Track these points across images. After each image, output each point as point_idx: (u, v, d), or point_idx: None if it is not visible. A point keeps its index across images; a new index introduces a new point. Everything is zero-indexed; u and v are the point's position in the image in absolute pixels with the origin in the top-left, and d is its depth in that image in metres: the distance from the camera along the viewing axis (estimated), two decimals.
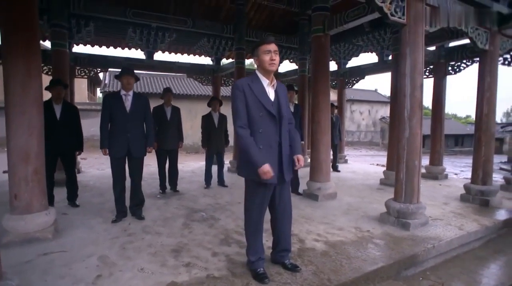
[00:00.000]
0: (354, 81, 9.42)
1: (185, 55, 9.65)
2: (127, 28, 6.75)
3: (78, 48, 7.73)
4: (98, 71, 7.70)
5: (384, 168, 6.70)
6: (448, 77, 7.10)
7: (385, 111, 28.11)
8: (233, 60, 7.98)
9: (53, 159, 4.05)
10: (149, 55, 7.72)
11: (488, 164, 4.70)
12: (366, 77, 9.20)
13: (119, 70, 3.81)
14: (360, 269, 2.55)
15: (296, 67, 8.88)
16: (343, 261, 2.69)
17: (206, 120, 5.72)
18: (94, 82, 25.37)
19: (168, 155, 5.22)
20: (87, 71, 7.38)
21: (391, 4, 3.34)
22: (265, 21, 8.59)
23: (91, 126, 13.82)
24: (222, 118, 5.81)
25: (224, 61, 9.30)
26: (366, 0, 3.65)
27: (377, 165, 10.80)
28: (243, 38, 7.49)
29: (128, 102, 3.65)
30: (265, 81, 2.29)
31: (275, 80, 2.34)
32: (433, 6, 3.73)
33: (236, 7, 7.25)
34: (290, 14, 7.93)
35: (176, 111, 5.26)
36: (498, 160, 12.62)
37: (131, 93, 3.69)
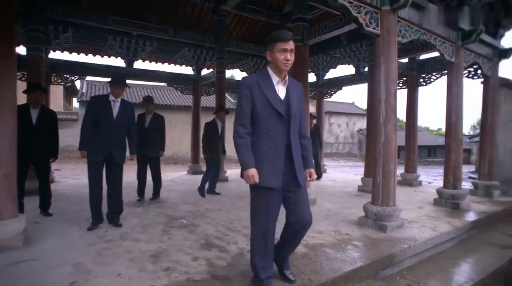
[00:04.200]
0: (332, 92, 9.71)
1: (166, 64, 9.67)
2: (107, 36, 6.70)
3: (55, 55, 7.57)
4: (76, 78, 7.55)
5: (362, 176, 6.87)
6: (421, 93, 7.48)
7: (362, 123, 28.95)
8: (214, 70, 8.05)
9: (26, 165, 3.88)
10: (129, 63, 7.67)
11: (458, 169, 4.96)
12: (344, 90, 9.63)
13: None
14: (339, 269, 2.59)
15: None
16: (323, 262, 2.73)
17: (211, 127, 5.72)
18: (70, 91, 24.68)
19: (149, 163, 5.16)
20: (64, 79, 7.21)
21: (365, 15, 3.52)
22: (246, 33, 8.77)
23: (66, 136, 13.36)
24: (223, 128, 5.90)
25: (205, 71, 9.34)
26: (342, 11, 3.83)
27: (356, 174, 11.05)
28: (224, 49, 7.60)
29: (116, 109, 3.62)
30: (275, 79, 2.11)
31: (287, 77, 2.14)
32: (404, 19, 3.96)
33: (217, 18, 7.38)
34: (270, 26, 8.15)
35: (157, 119, 5.24)
36: (467, 169, 13.25)
37: (119, 99, 3.66)
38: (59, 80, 7.18)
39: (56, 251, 2.87)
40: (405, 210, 4.31)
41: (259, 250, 2.14)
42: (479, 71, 6.09)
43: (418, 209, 4.80)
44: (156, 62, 9.46)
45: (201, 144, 5.99)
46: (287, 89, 2.13)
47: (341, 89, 9.48)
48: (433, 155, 26.87)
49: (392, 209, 3.62)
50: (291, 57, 2.05)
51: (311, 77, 9.48)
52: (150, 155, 5.10)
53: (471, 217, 4.46)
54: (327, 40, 5.40)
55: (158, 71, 8.44)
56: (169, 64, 9.60)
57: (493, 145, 6.02)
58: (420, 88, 7.59)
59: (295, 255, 2.86)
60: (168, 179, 7.87)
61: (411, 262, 3.24)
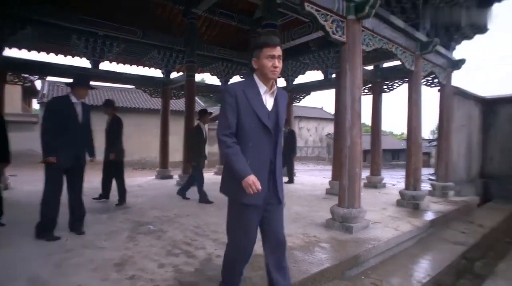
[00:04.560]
0: (301, 97, 9.91)
1: (134, 66, 9.40)
2: (71, 35, 6.40)
3: (12, 52, 7.05)
4: (36, 78, 7.11)
5: (330, 179, 7.06)
6: (386, 99, 7.86)
7: (331, 128, 29.78)
8: (184, 73, 7.95)
9: None
10: (95, 64, 7.37)
11: (417, 171, 5.25)
12: (313, 95, 9.80)
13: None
14: (307, 271, 2.64)
15: None
16: (291, 265, 2.75)
17: (198, 133, 5.52)
18: (29, 92, 23.21)
19: (111, 166, 5.15)
20: (21, 78, 6.77)
21: (332, 23, 3.65)
22: (217, 36, 8.75)
23: (25, 140, 12.52)
24: (206, 132, 5.79)
25: (175, 74, 9.20)
26: (310, 19, 3.95)
27: (324, 178, 11.33)
28: (195, 52, 7.53)
29: (79, 111, 3.48)
30: (262, 88, 1.93)
31: (275, 87, 1.98)
32: (368, 29, 4.15)
33: (188, 21, 7.30)
34: (241, 31, 8.20)
35: (112, 122, 5.15)
36: (427, 172, 14.02)
37: (80, 101, 3.52)
38: (16, 80, 6.72)
39: (9, 264, 2.68)
40: (370, 211, 4.48)
41: (229, 269, 2.09)
42: (436, 80, 6.50)
43: (382, 210, 5.01)
44: (124, 64, 9.18)
45: (181, 150, 5.86)
46: (275, 99, 1.97)
47: (309, 94, 9.70)
48: (397, 158, 28.19)
49: (357, 210, 3.75)
50: (279, 64, 1.90)
51: (281, 82, 9.66)
52: (109, 158, 5.05)
53: (429, 216, 4.73)
54: (297, 46, 5.55)
55: (126, 73, 8.19)
56: (137, 66, 9.35)
57: (448, 149, 6.44)
58: (385, 95, 7.97)
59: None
60: (135, 184, 7.63)
61: (375, 261, 3.38)
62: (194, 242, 3.36)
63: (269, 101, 1.95)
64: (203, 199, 5.37)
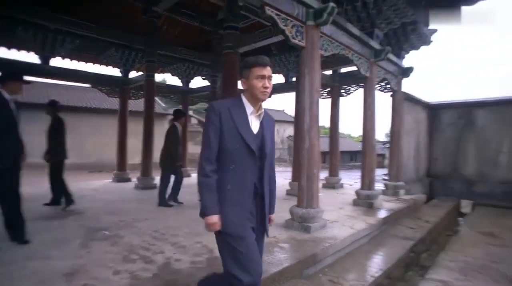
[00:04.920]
0: None
1: (90, 64, 8.87)
2: (16, 26, 5.90)
3: None
4: None
5: (290, 180, 7.22)
6: (345, 103, 8.23)
7: (292, 130, 30.38)
8: (144, 73, 7.69)
9: None
10: (45, 60, 6.87)
11: (372, 172, 5.56)
12: (275, 98, 9.95)
13: None
14: (266, 271, 2.67)
15: (209, 84, 9.05)
16: None
17: (175, 134, 5.36)
18: None
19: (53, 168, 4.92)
20: None
21: (292, 28, 3.75)
22: (179, 36, 8.57)
23: None
24: (182, 132, 5.71)
25: (134, 73, 8.86)
26: (271, 23, 4.02)
27: (285, 179, 11.54)
28: (155, 51, 7.32)
29: (13, 108, 3.19)
30: (249, 109, 1.83)
31: (262, 109, 1.87)
32: (326, 35, 4.32)
33: (148, 19, 7.07)
34: (204, 32, 8.11)
35: (54, 122, 4.91)
36: (381, 172, 14.85)
37: (12, 97, 3.23)
38: None
39: None
40: (328, 211, 4.65)
41: None
42: (388, 86, 6.94)
43: (340, 209, 5.22)
44: (79, 61, 8.59)
45: (160, 152, 5.49)
46: (261, 123, 1.86)
47: (270, 97, 9.82)
48: (354, 160, 29.52)
49: (315, 210, 3.88)
50: (269, 84, 1.81)
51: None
52: (51, 159, 4.85)
53: (382, 214, 5.02)
54: (259, 49, 5.60)
55: (81, 71, 7.73)
56: (93, 63, 8.83)
57: (399, 150, 6.89)
58: (344, 98, 8.32)
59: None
60: (90, 188, 7.22)
61: (332, 259, 3.50)
62: (153, 246, 3.26)
63: (254, 124, 1.84)
64: (164, 202, 5.24)
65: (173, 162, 5.29)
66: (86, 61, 8.66)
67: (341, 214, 4.87)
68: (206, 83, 9.49)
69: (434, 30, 6.60)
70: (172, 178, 5.42)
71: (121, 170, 8.48)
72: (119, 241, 3.40)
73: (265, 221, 1.87)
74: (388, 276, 3.48)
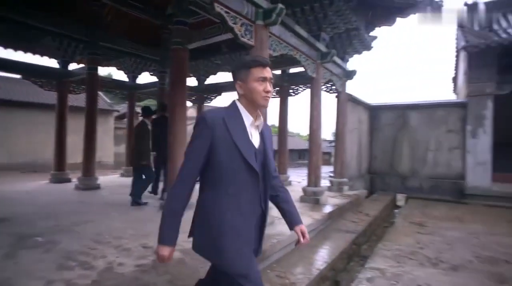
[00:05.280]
0: (213, 97, 9.98)
1: (21, 52, 7.94)
2: None
3: None
4: None
5: None
6: (294, 102, 8.49)
7: None
8: (86, 66, 7.14)
9: None
10: None
11: (318, 169, 5.82)
12: (225, 95, 9.88)
13: None
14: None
15: (157, 80, 8.71)
16: (199, 266, 2.74)
17: (145, 131, 5.32)
18: None
19: None
20: None
21: (241, 27, 3.77)
22: (127, 29, 8.09)
23: None
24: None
25: (75, 65, 8.18)
26: (220, 20, 3.99)
27: None
28: (99, 43, 6.84)
29: None
30: (248, 119, 1.53)
31: (261, 118, 1.58)
32: (275, 35, 4.41)
33: (92, 9, 6.56)
34: (154, 26, 7.75)
35: None
36: (328, 170, 15.63)
37: None
38: None
39: None
40: (276, 208, 4.76)
41: None
42: (334, 87, 7.31)
43: None
44: (6, 48, 7.67)
45: (82, 150, 5.29)
46: (261, 134, 1.58)
47: (220, 95, 9.82)
48: (303, 158, 30.64)
49: None
50: (271, 87, 1.54)
51: (192, 82, 9.53)
52: None
53: (327, 209, 5.29)
54: (209, 46, 5.55)
55: (11, 60, 6.94)
56: (25, 52, 7.92)
57: (343, 149, 7.32)
58: (295, 98, 8.59)
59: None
60: (23, 190, 6.53)
61: (280, 255, 3.60)
62: (93, 251, 3.05)
63: (254, 136, 1.55)
64: (137, 196, 5.19)
65: (140, 160, 5.16)
66: (16, 49, 7.77)
67: None
68: (154, 79, 9.11)
69: (375, 37, 7.12)
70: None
71: (59, 170, 7.80)
72: (54, 248, 3.12)
73: (262, 239, 1.66)
74: (332, 268, 3.68)
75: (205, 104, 10.25)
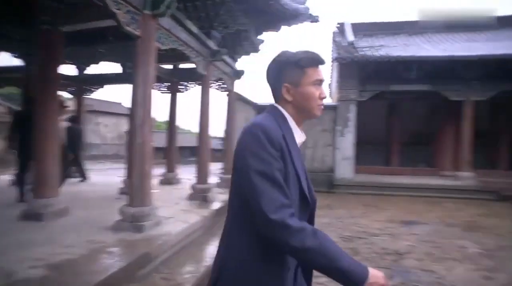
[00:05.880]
0: (94, 89, 8.87)
1: None
2: None
3: None
4: None
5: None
6: (186, 98, 8.28)
7: None
8: None
9: None
10: None
11: (206, 166, 5.89)
12: (113, 89, 8.95)
13: None
14: (88, 283, 2.37)
15: (23, 64, 7.15)
16: (69, 280, 2.41)
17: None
18: None
19: None
20: None
21: (126, 14, 3.44)
22: None
23: None
24: None
25: None
26: (101, 2, 3.55)
27: (119, 176, 10.62)
28: None
29: None
30: (298, 135, 1.17)
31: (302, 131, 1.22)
32: (164, 27, 4.21)
33: None
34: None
35: None
36: (219, 166, 16.00)
37: None
38: None
39: None
40: (164, 207, 4.58)
41: None
42: (225, 86, 7.48)
43: (175, 205, 5.23)
44: None
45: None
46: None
47: (102, 87, 8.81)
48: (194, 155, 30.48)
49: (149, 208, 3.73)
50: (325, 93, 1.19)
51: (71, 71, 8.25)
52: None
53: (215, 206, 5.39)
54: (92, 32, 4.87)
55: None
56: None
57: (233, 145, 7.57)
58: (187, 95, 8.39)
59: (28, 283, 2.34)
60: None
61: (167, 255, 3.47)
62: None
63: (301, 158, 1.16)
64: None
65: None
66: None
67: (177, 209, 4.89)
68: (19, 62, 7.40)
69: (262, 41, 7.60)
70: None
71: None
72: None
73: None
74: None
75: (85, 96, 9.00)
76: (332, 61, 11.43)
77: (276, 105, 1.20)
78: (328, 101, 14.58)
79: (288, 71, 1.14)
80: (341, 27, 11.74)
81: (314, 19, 6.40)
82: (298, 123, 1.19)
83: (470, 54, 8.59)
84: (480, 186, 8.95)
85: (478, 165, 9.76)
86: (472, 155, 9.46)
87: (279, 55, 1.17)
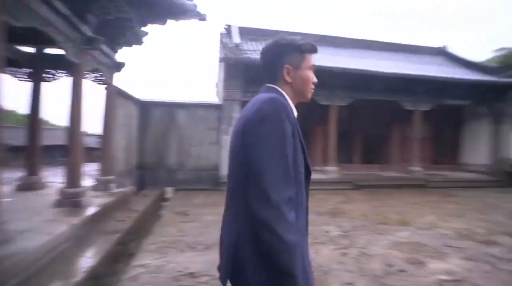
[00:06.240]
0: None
1: None
2: None
3: None
4: None
5: None
6: (58, 90, 7.01)
7: None
8: None
9: None
10: None
11: (78, 167, 5.14)
12: None
13: None
14: None
15: None
16: None
17: None
18: None
19: None
20: None
21: None
22: None
23: None
24: None
25: None
26: None
27: None
28: None
29: None
30: (295, 114, 1.24)
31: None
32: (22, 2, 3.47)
33: None
34: None
35: None
36: (96, 167, 14.36)
37: None
38: None
39: None
40: (20, 220, 3.81)
41: None
42: (103, 78, 6.71)
43: (37, 215, 4.39)
44: None
45: None
46: None
47: None
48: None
49: None
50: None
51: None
52: None
53: (90, 211, 4.78)
54: None
55: None
56: None
57: (111, 144, 6.88)
58: (57, 84, 7.12)
59: None
60: None
61: (27, 275, 2.89)
62: None
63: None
64: None
65: None
66: None
67: (38, 220, 4.11)
68: None
69: (146, 33, 7.12)
70: None
71: None
72: None
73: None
74: (94, 276, 3.35)
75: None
76: (219, 61, 11.68)
77: (273, 85, 1.28)
78: (214, 100, 14.88)
79: (289, 54, 1.25)
80: (228, 29, 12.09)
81: (202, 17, 6.36)
82: (294, 104, 1.30)
83: (334, 66, 10.08)
84: (342, 178, 10.69)
85: (341, 160, 11.63)
86: (337, 152, 11.17)
87: (280, 38, 1.27)
